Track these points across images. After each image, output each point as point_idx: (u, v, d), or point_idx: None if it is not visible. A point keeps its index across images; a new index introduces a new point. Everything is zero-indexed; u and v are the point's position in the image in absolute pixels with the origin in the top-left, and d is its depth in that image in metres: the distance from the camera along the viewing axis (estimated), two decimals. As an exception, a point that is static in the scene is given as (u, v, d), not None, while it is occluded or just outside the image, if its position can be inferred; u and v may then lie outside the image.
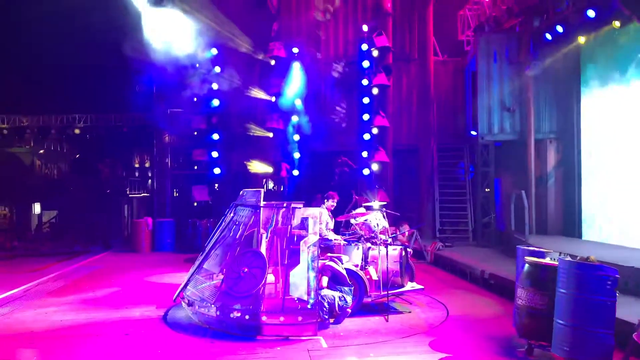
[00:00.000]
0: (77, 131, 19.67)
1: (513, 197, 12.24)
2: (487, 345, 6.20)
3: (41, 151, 23.48)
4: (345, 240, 8.20)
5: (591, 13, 10.60)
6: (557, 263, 5.48)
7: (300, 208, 7.31)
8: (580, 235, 12.02)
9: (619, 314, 5.30)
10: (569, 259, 5.46)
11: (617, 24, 10.19)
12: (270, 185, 17.23)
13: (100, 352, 6.04)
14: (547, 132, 13.27)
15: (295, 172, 14.99)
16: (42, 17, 18.15)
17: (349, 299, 7.18)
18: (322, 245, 7.72)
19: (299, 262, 7.50)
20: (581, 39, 11.49)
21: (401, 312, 7.78)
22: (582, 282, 5.12)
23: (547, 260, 5.83)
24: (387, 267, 7.67)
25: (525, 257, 5.95)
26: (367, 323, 7.17)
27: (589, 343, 5.04)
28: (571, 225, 12.51)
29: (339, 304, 7.06)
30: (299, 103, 15.12)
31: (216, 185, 15.94)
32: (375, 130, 15.07)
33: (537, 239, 11.32)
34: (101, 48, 17.18)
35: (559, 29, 11.79)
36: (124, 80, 18.26)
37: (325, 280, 7.26)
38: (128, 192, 23.07)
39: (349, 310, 7.19)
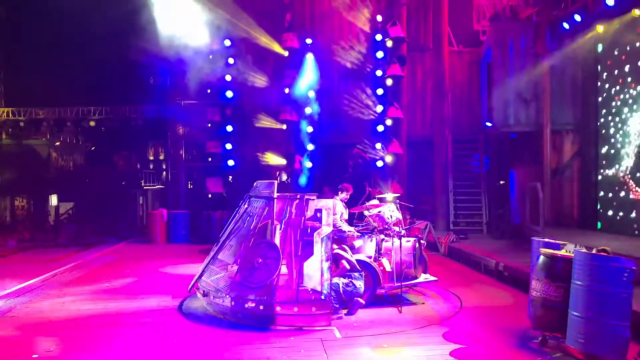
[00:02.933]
0: (92, 123, 19.89)
1: (528, 189, 12.13)
2: (501, 336, 6.18)
3: (57, 143, 23.77)
4: (358, 231, 8.20)
5: (610, 1, 10.41)
6: (572, 255, 5.44)
7: (313, 200, 7.32)
8: (596, 227, 11.88)
9: (635, 306, 5.25)
10: (584, 250, 5.41)
11: (637, 12, 10.01)
12: (284, 177, 17.27)
13: (117, 340, 6.14)
14: (563, 123, 13.11)
15: (309, 164, 15.00)
16: (57, 10, 18.31)
17: (358, 283, 7.18)
18: (335, 237, 7.74)
19: (312, 253, 7.52)
20: (600, 28, 11.30)
21: (414, 304, 7.78)
22: (598, 273, 5.07)
23: (562, 252, 5.78)
24: (401, 259, 7.66)
25: (540, 249, 5.90)
26: (380, 314, 7.18)
27: (604, 335, 5.00)
28: (587, 217, 12.38)
29: (344, 290, 7.08)
30: (312, 94, 15.10)
31: (230, 177, 16.02)
32: (389, 122, 15.00)
33: (552, 231, 11.22)
34: (115, 40, 17.29)
35: (577, 18, 11.60)
36: (138, 72, 18.43)
37: (345, 263, 7.29)
38: (143, 184, 23.28)
39: (361, 301, 7.20)
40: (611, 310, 5.00)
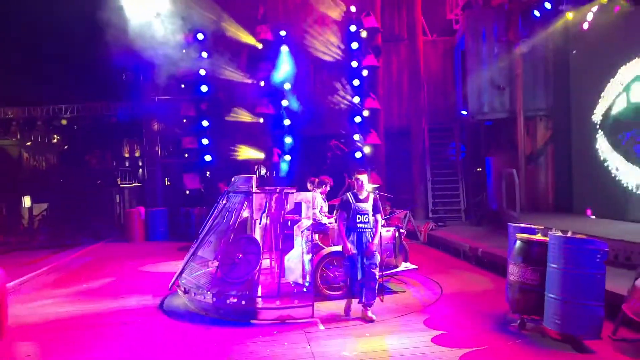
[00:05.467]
0: (63, 122, 19.44)
1: (504, 175, 12.32)
2: (481, 321, 6.29)
3: (28, 143, 23.23)
4: (338, 223, 8.20)
5: (579, -12, 10.60)
6: (547, 239, 5.55)
7: (293, 193, 7.31)
8: (571, 211, 12.13)
9: (608, 286, 5.39)
10: (559, 234, 5.52)
11: (604, -1, 10.20)
12: (263, 171, 17.20)
13: (98, 342, 6.06)
14: (537, 109, 13.32)
15: (287, 157, 14.97)
16: (24, 6, 17.82)
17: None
18: (316, 230, 7.75)
19: (293, 247, 7.54)
20: (569, 15, 11.50)
21: (396, 292, 7.86)
22: (573, 256, 5.19)
23: (538, 236, 5.89)
24: (381, 248, 7.71)
25: (517, 234, 6.01)
26: (362, 304, 7.22)
27: (579, 315, 5.13)
28: (562, 201, 12.64)
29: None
30: (288, 87, 15.03)
31: (207, 172, 15.89)
32: (366, 113, 15.05)
33: (528, 215, 11.42)
34: (85, 37, 16.90)
35: (547, 5, 11.80)
36: (109, 69, 18.02)
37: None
38: (119, 182, 22.95)
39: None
40: (586, 291, 5.13)
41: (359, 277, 6.42)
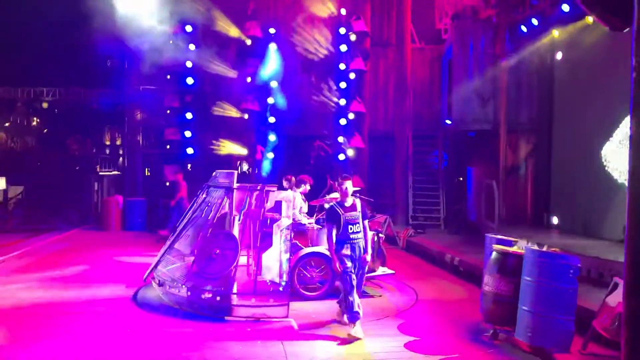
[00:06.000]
0: (45, 105, 19.07)
1: (484, 186, 12.47)
2: (454, 329, 6.36)
3: (7, 124, 22.71)
4: (318, 224, 8.22)
5: (566, 7, 10.79)
6: (523, 251, 5.64)
7: (274, 191, 7.30)
8: (548, 225, 12.33)
9: (580, 302, 5.50)
10: (535, 247, 5.61)
11: (590, 19, 10.38)
12: (245, 167, 17.11)
13: (68, 330, 5.96)
14: (519, 122, 13.48)
15: (270, 155, 14.92)
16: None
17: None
18: (295, 230, 7.74)
19: (271, 245, 7.53)
20: (555, 33, 11.68)
21: (372, 296, 7.89)
22: (546, 270, 5.28)
23: (514, 248, 5.98)
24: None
25: (493, 245, 6.09)
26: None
27: (550, 329, 5.22)
28: (540, 214, 12.83)
29: None
30: (275, 85, 14.99)
31: (189, 165, 15.75)
32: (351, 116, 15.08)
33: (506, 227, 11.56)
34: (71, 21, 16.58)
35: (535, 21, 11.97)
36: (95, 54, 17.75)
37: None
38: (98, 170, 22.53)
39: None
40: (558, 305, 5.22)
41: (355, 291, 6.08)
